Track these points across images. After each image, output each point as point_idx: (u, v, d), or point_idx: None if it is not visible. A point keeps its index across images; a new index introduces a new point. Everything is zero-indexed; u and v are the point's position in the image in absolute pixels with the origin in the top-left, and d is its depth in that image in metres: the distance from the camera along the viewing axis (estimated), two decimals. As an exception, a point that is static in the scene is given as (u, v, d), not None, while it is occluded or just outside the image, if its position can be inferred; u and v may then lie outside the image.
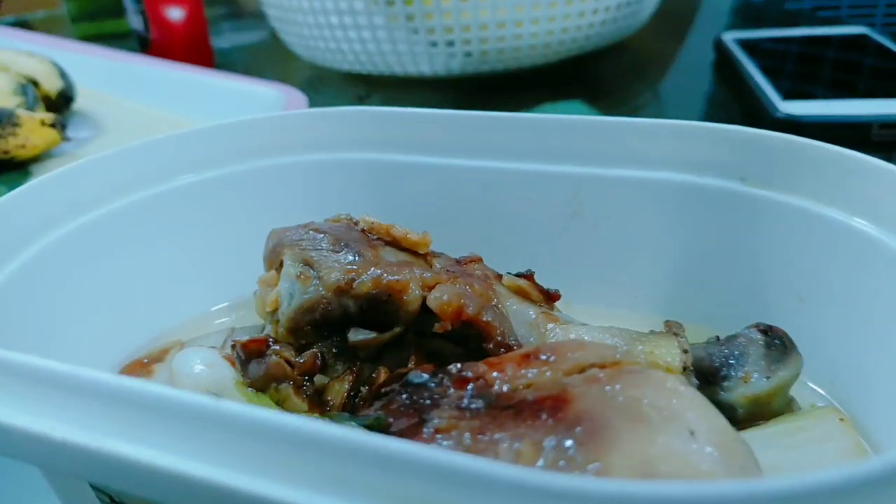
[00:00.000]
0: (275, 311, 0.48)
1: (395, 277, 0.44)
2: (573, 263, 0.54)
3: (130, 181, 0.54)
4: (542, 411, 0.32)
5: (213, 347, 0.51)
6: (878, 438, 0.41)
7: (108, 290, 0.53)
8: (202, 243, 0.58)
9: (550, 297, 0.48)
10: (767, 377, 0.42)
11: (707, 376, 0.43)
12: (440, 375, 0.37)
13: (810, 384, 0.46)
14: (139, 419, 0.28)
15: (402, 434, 0.33)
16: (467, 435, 0.32)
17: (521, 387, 0.35)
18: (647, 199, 0.51)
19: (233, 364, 0.48)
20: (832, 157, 0.44)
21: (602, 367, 0.36)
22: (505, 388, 0.34)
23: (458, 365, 0.37)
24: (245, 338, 0.46)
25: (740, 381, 0.42)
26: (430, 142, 0.56)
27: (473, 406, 0.33)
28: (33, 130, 0.88)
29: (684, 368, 0.42)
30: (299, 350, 0.46)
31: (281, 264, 0.49)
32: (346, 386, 0.44)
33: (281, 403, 0.44)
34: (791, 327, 0.45)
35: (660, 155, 0.50)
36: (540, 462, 0.30)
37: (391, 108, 0.57)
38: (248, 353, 0.46)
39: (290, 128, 0.58)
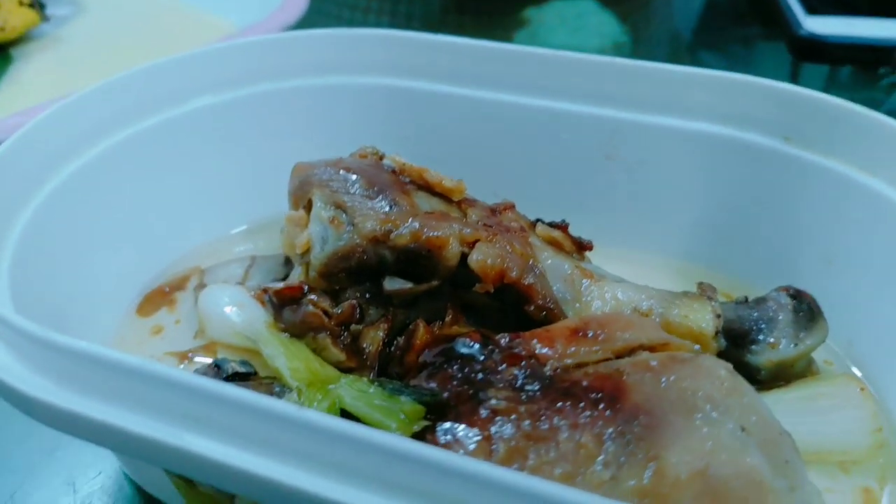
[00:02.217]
0: (305, 252, 0.47)
1: (435, 233, 0.43)
2: (603, 205, 0.54)
3: (144, 105, 0.51)
4: (599, 401, 0.33)
5: (239, 284, 0.51)
6: (886, 398, 0.44)
7: (127, 216, 0.52)
8: (219, 166, 0.56)
9: (583, 247, 0.48)
10: (795, 344, 0.43)
11: (736, 338, 0.44)
12: (489, 346, 0.37)
13: (829, 342, 0.47)
14: (218, 417, 0.28)
15: (460, 413, 0.34)
16: (527, 422, 0.33)
17: (572, 366, 0.35)
18: (685, 148, 0.50)
19: (262, 304, 0.48)
20: (885, 129, 0.43)
21: (651, 349, 0.36)
22: (557, 369, 0.35)
23: (507, 337, 0.37)
24: (279, 284, 0.46)
25: (768, 346, 0.43)
26: (456, 71, 0.54)
27: (529, 388, 0.34)
28: (11, 11, 0.82)
29: (716, 332, 0.43)
30: (331, 294, 0.46)
31: (309, 203, 0.48)
32: (381, 334, 0.45)
33: (318, 352, 0.44)
34: (816, 288, 0.46)
35: (703, 105, 0.49)
36: (601, 457, 0.31)
37: (414, 33, 0.54)
38: (281, 300, 0.45)
39: (308, 49, 0.55)
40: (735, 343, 0.44)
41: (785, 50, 0.91)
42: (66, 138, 0.47)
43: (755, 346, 0.44)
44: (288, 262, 0.54)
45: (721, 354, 0.43)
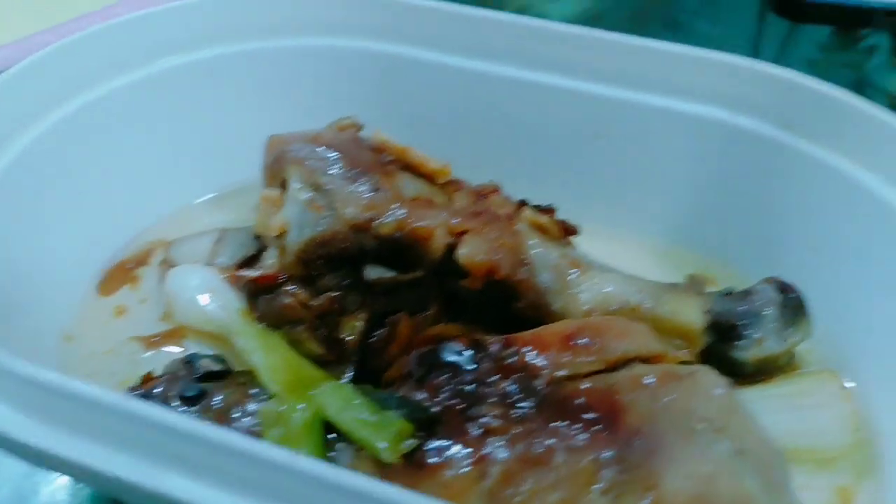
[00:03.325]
0: (281, 235, 0.45)
1: (422, 224, 0.41)
2: (590, 183, 0.52)
3: (103, 68, 0.47)
4: (596, 422, 0.32)
5: (209, 265, 0.48)
6: (871, 385, 0.44)
7: (86, 187, 0.48)
8: (184, 131, 0.52)
9: (569, 232, 0.47)
10: (782, 341, 0.43)
11: (722, 333, 0.43)
12: (480, 354, 0.36)
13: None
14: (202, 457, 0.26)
15: (451, 430, 0.33)
16: (522, 443, 0.32)
17: (565, 378, 0.34)
18: (677, 129, 0.48)
19: (234, 285, 0.46)
20: (884, 124, 0.42)
21: (647, 360, 0.36)
22: (551, 382, 0.34)
23: (498, 344, 0.36)
24: (254, 272, 0.44)
25: (754, 342, 0.43)
26: (439, 37, 0.51)
27: (522, 405, 0.33)
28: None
29: (704, 328, 0.43)
30: (308, 280, 0.44)
31: (284, 182, 0.45)
32: (361, 324, 0.43)
33: (295, 345, 0.42)
34: (800, 277, 0.45)
35: (698, 87, 0.47)
36: (598, 485, 0.30)
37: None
38: (256, 289, 0.43)
39: (283, 8, 0.51)
40: (721, 338, 0.43)
41: (750, 2, 0.89)
42: (15, 106, 0.43)
43: (741, 341, 0.43)
44: (259, 236, 0.51)
45: (706, 349, 0.43)
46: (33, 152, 0.44)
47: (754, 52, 0.84)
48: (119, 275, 0.50)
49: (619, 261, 0.47)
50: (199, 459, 0.26)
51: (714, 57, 0.46)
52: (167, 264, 0.50)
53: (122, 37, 0.47)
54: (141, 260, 0.51)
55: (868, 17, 0.77)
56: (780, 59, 0.82)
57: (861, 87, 0.76)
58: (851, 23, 0.78)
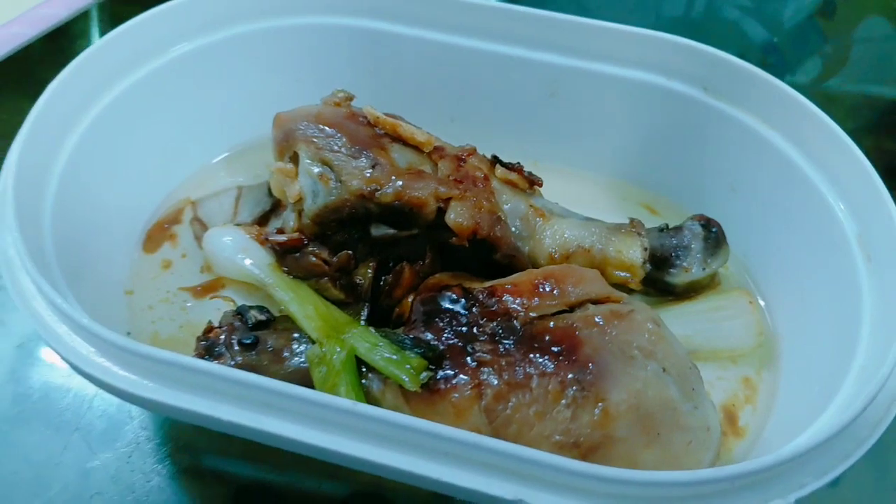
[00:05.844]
0: (298, 202, 0.54)
1: (416, 194, 0.51)
2: (548, 132, 0.62)
3: (137, 58, 0.55)
4: (560, 353, 0.43)
5: (237, 226, 0.57)
6: (772, 297, 0.56)
7: (130, 157, 0.57)
8: (197, 104, 0.60)
9: (534, 184, 0.57)
10: (703, 268, 0.55)
11: (658, 263, 0.55)
12: (470, 301, 0.47)
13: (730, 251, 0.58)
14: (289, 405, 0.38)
15: (454, 363, 0.44)
16: (507, 371, 0.43)
17: (536, 318, 0.45)
18: (620, 90, 0.57)
19: (262, 244, 0.55)
20: (782, 94, 0.52)
21: (595, 301, 0.47)
22: (526, 322, 0.45)
23: (484, 292, 0.47)
24: (281, 237, 0.53)
25: (683, 270, 0.55)
26: (421, 16, 0.58)
27: (505, 341, 0.44)
28: None
29: (643, 262, 0.54)
30: (323, 238, 0.54)
31: (295, 156, 0.54)
32: (371, 272, 0.53)
33: (321, 292, 0.53)
34: (721, 209, 0.57)
35: (636, 57, 0.56)
36: (563, 400, 0.42)
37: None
38: (284, 249, 0.53)
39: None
40: (657, 266, 0.55)
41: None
42: (79, 94, 0.52)
43: (673, 269, 0.55)
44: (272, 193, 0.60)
45: (647, 277, 0.54)
46: (89, 134, 0.53)
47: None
48: (158, 233, 0.59)
49: (578, 194, 0.60)
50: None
51: (646, 34, 0.55)
52: (198, 222, 0.59)
53: (142, 32, 0.54)
54: (174, 219, 0.60)
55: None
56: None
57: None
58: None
